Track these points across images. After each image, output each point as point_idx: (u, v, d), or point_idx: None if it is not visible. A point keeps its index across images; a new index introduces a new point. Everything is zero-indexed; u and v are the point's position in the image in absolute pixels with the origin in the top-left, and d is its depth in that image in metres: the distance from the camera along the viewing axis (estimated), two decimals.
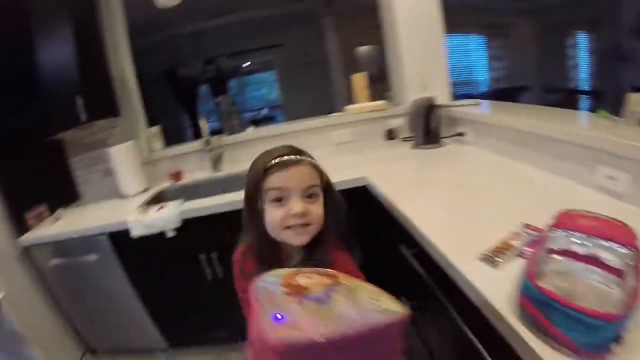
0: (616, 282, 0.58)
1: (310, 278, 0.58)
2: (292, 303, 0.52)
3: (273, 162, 0.73)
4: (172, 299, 1.94)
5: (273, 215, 0.73)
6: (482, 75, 5.05)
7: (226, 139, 2.34)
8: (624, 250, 0.59)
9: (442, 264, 0.84)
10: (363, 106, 2.23)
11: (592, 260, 0.63)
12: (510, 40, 4.83)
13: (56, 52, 2.01)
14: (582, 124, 1.22)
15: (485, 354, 0.70)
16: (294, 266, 0.78)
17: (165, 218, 1.64)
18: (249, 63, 6.33)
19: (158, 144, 2.42)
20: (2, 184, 1.93)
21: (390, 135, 2.15)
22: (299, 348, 0.46)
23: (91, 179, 2.53)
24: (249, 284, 0.61)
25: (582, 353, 0.48)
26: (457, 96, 2.22)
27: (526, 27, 4.66)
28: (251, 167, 0.78)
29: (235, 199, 1.60)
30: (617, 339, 0.48)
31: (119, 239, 1.76)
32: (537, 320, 0.53)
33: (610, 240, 0.61)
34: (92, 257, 1.84)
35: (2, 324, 1.90)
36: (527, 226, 0.82)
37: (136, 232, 1.65)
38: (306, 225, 0.73)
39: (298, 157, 0.75)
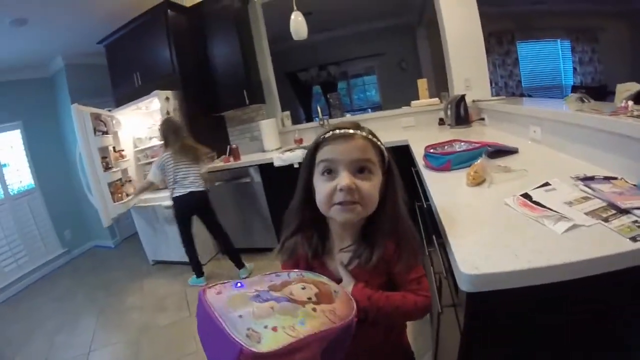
0: None
1: (304, 289, 0.61)
2: (256, 291, 0.58)
3: (327, 135, 0.72)
4: None
5: (322, 189, 0.71)
6: (568, 80, 5.32)
7: (332, 120, 3.55)
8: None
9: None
10: (423, 102, 3.20)
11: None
12: (599, 45, 5.03)
13: (228, 57, 3.33)
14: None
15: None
16: (342, 250, 0.77)
17: (294, 156, 2.87)
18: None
19: (288, 122, 3.75)
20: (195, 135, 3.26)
21: (441, 122, 3.05)
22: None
23: (242, 142, 3.93)
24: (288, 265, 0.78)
25: (434, 169, 1.45)
26: None
27: (618, 31, 4.80)
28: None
29: None
30: (446, 163, 1.43)
31: (264, 169, 3.05)
32: (425, 162, 1.52)
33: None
34: (246, 180, 3.16)
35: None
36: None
37: (277, 163, 2.91)
38: (354, 203, 0.68)
39: (352, 130, 0.71)
